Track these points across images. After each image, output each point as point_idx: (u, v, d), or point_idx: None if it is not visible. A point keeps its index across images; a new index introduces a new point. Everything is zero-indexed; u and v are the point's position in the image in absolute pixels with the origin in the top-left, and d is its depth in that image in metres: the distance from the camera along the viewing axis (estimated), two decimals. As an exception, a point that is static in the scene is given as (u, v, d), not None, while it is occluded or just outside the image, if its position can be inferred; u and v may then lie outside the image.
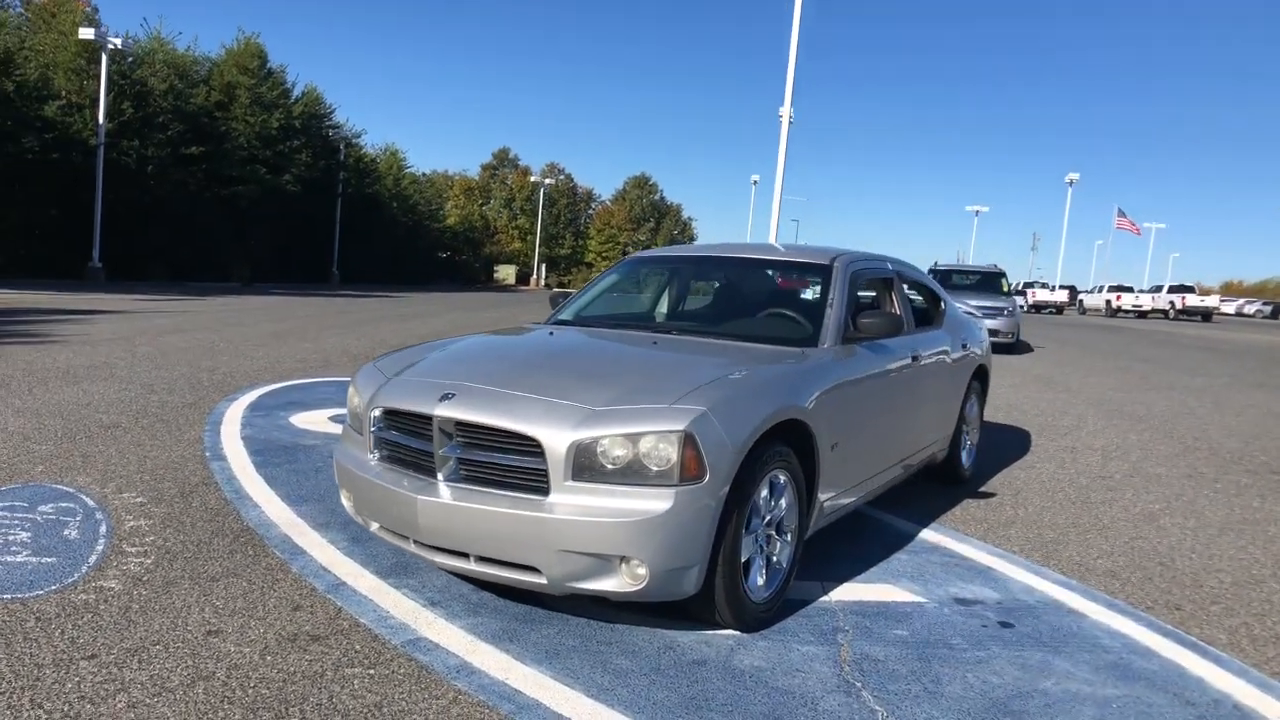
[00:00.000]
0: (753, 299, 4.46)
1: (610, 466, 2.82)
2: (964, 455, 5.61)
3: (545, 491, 2.85)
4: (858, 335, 3.95)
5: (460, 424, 3.00)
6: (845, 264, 4.30)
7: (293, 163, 37.21)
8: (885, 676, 2.88)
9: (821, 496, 3.60)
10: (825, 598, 3.56)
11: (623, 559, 2.80)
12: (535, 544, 2.82)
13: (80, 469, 4.83)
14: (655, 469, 2.80)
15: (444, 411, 3.01)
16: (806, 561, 3.91)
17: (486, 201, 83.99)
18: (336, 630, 3.01)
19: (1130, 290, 48.84)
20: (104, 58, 25.25)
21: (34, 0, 30.11)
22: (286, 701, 2.52)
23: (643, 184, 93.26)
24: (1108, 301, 48.58)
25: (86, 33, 24.61)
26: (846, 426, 3.72)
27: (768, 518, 3.24)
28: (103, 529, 3.91)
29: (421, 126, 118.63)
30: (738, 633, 3.15)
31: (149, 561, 3.55)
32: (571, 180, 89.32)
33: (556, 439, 2.83)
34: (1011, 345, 16.73)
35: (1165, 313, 45.67)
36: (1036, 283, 59.56)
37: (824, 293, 4.10)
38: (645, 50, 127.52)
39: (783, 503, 3.31)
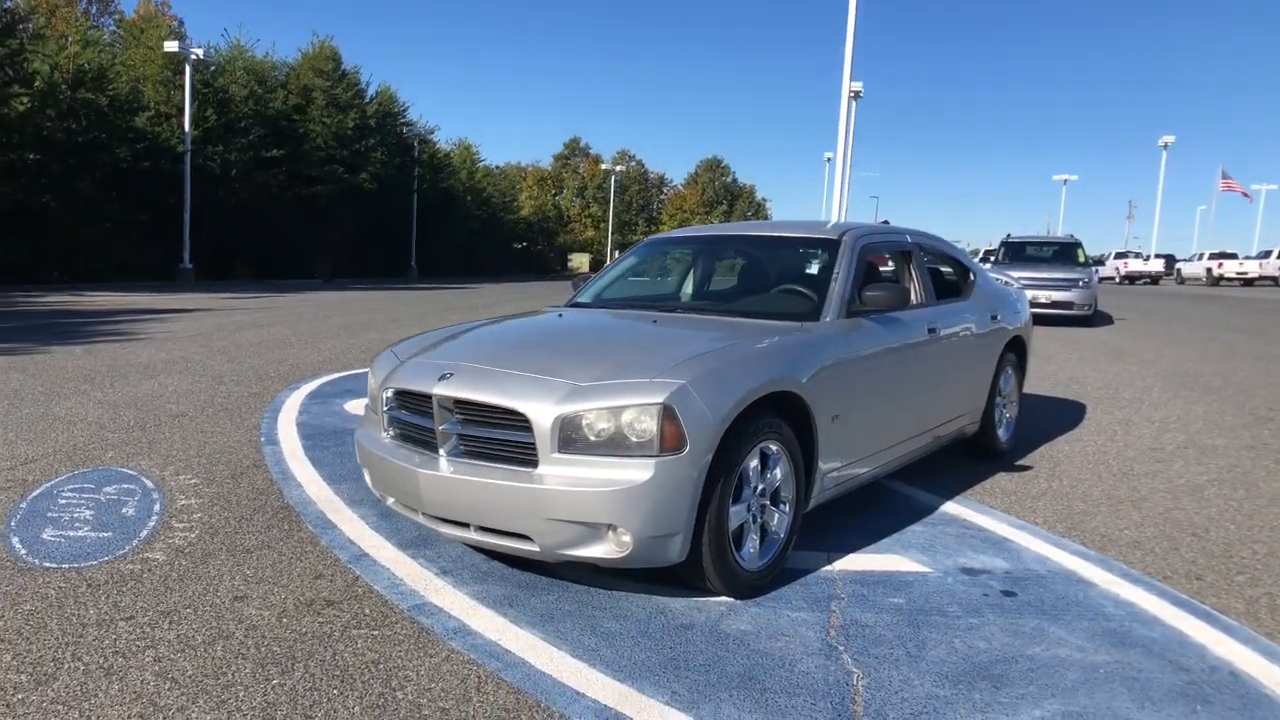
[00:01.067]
0: (761, 276, 4.50)
1: (594, 439, 2.93)
2: (1000, 429, 5.53)
3: (535, 464, 2.99)
4: (863, 309, 3.96)
5: (458, 401, 3.16)
6: (854, 239, 4.30)
7: (369, 161, 38.29)
8: (870, 641, 2.93)
9: (824, 467, 3.64)
10: (829, 567, 3.61)
11: (609, 527, 2.91)
12: (526, 513, 2.96)
13: (145, 454, 5.20)
14: (636, 440, 2.91)
15: (442, 390, 3.18)
16: (816, 531, 3.98)
17: (559, 191, 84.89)
18: (351, 596, 3.22)
19: (1234, 257, 45.91)
20: (187, 69, 26.46)
21: (126, 18, 31.68)
22: (294, 658, 2.72)
23: (715, 167, 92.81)
24: (1208, 270, 45.79)
25: (171, 46, 25.83)
26: (851, 399, 3.74)
27: (760, 488, 3.30)
28: (156, 507, 4.23)
29: (494, 121, 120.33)
30: (731, 599, 3.23)
31: (193, 536, 3.84)
32: (643, 166, 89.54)
33: (542, 413, 2.96)
34: (1088, 318, 16.16)
35: (1276, 279, 42.48)
36: (1129, 252, 56.90)
37: (829, 267, 4.12)
38: (713, 31, 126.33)
39: (777, 473, 3.37)
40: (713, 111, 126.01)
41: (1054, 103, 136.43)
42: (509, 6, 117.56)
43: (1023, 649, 2.90)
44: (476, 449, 3.15)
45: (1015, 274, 16.59)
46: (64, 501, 4.27)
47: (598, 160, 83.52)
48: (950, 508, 4.50)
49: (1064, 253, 17.97)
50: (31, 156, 22.54)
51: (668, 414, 2.90)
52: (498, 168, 70.00)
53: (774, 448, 3.33)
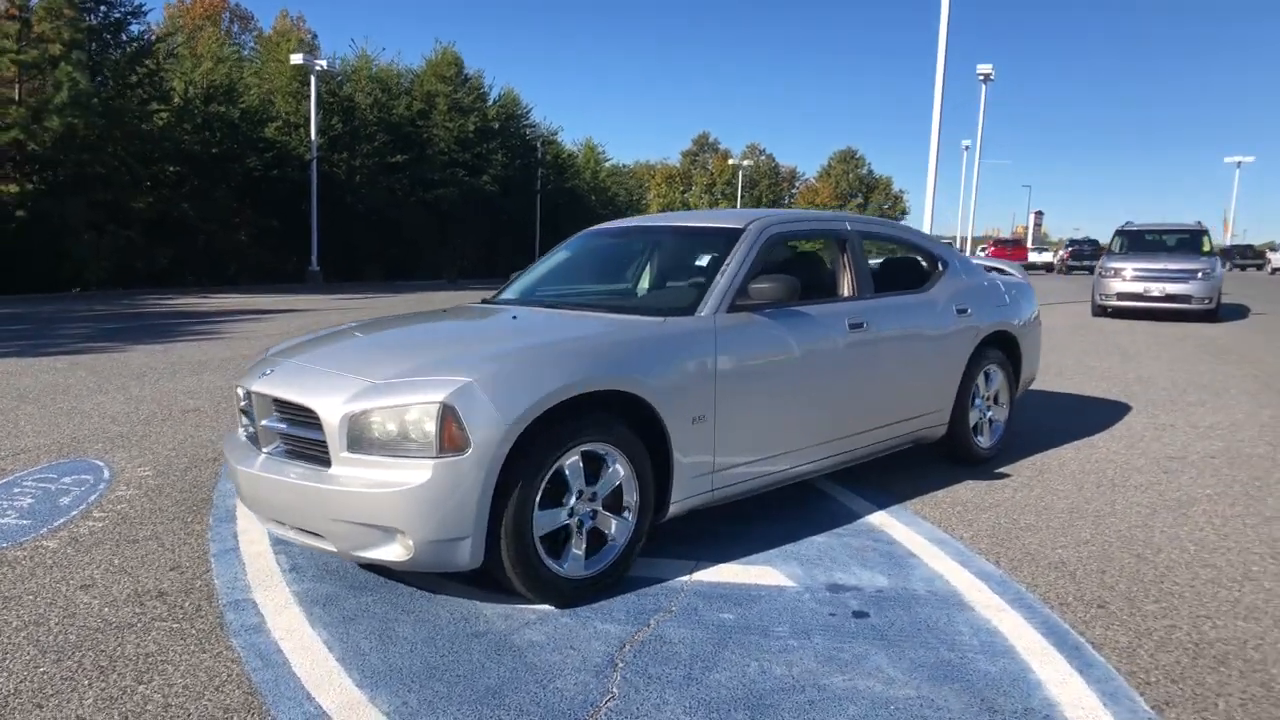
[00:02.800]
0: (666, 269, 4.28)
1: (380, 438, 2.87)
2: (978, 434, 5.06)
3: (328, 463, 2.95)
4: (747, 303, 3.70)
5: (271, 399, 3.17)
6: (760, 229, 4.02)
7: (490, 164, 39.49)
8: (659, 659, 2.73)
9: (689, 472, 3.43)
10: (685, 577, 3.40)
11: (393, 529, 2.84)
12: (318, 513, 2.93)
13: (128, 447, 5.51)
14: (417, 441, 2.82)
15: (256, 386, 3.20)
16: (702, 538, 3.78)
17: (688, 188, 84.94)
18: (185, 589, 3.28)
19: None
20: (313, 80, 28.06)
21: (264, 33, 33.95)
22: (79, 647, 2.80)
23: (849, 158, 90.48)
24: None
25: (296, 59, 27.47)
26: (724, 399, 3.51)
27: (585, 492, 3.14)
28: (92, 497, 4.46)
29: (624, 121, 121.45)
30: (549, 608, 3.09)
31: (99, 526, 4.02)
32: (773, 161, 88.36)
33: (331, 411, 2.92)
34: (1209, 312, 14.67)
35: None
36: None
37: (721, 259, 3.87)
38: (845, 19, 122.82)
39: (612, 478, 3.19)
40: (846, 102, 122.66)
41: (1224, 78, 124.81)
42: (634, 7, 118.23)
43: (821, 678, 2.62)
44: (290, 447, 3.15)
45: (1128, 265, 15.30)
46: (19, 490, 4.58)
47: (726, 155, 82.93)
48: (877, 517, 4.15)
49: (1188, 242, 16.37)
50: (171, 169, 24.52)
51: (448, 414, 2.80)
52: (625, 167, 70.76)
53: (605, 450, 3.16)
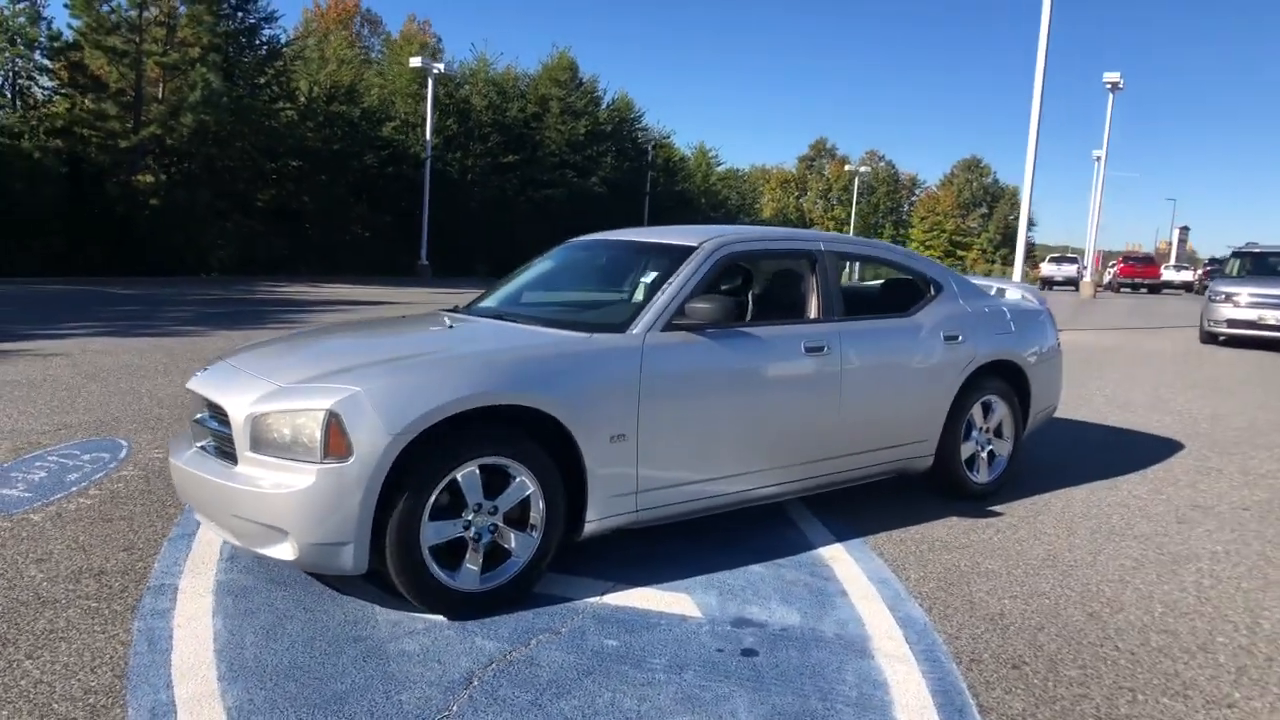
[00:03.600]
0: (616, 283, 4.23)
1: (277, 440, 2.97)
2: (973, 468, 4.79)
3: (235, 461, 3.08)
4: (684, 322, 3.63)
5: (201, 397, 3.33)
6: (714, 247, 3.94)
7: (600, 166, 40.07)
8: (516, 682, 2.72)
9: (608, 491, 3.41)
10: (595, 598, 3.37)
11: (283, 530, 2.94)
12: (223, 508, 3.07)
13: (156, 429, 5.88)
14: (305, 445, 2.91)
15: (191, 384, 3.37)
16: (634, 560, 3.74)
17: (802, 193, 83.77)
18: (124, 570, 3.48)
19: None
20: (430, 81, 29.19)
21: (391, 36, 35.51)
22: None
23: (973, 167, 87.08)
24: None
25: (415, 61, 28.64)
26: (649, 418, 3.46)
27: (485, 506, 3.16)
28: (98, 475, 4.79)
29: (741, 124, 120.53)
30: (441, 618, 3.12)
31: (88, 503, 4.32)
32: (892, 167, 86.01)
33: (238, 411, 3.05)
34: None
35: None
36: None
37: (665, 277, 3.81)
38: (967, 27, 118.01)
39: (514, 492, 3.20)
40: (972, 109, 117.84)
41: None
42: (754, 13, 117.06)
43: (669, 716, 2.55)
44: (215, 444, 3.30)
45: (1243, 289, 14.18)
46: (40, 464, 4.97)
47: (844, 161, 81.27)
48: (830, 550, 4.00)
49: (1318, 263, 14.99)
50: (293, 164, 26.01)
51: (333, 421, 2.88)
52: (740, 171, 70.42)
53: (508, 464, 3.17)
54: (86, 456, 5.14)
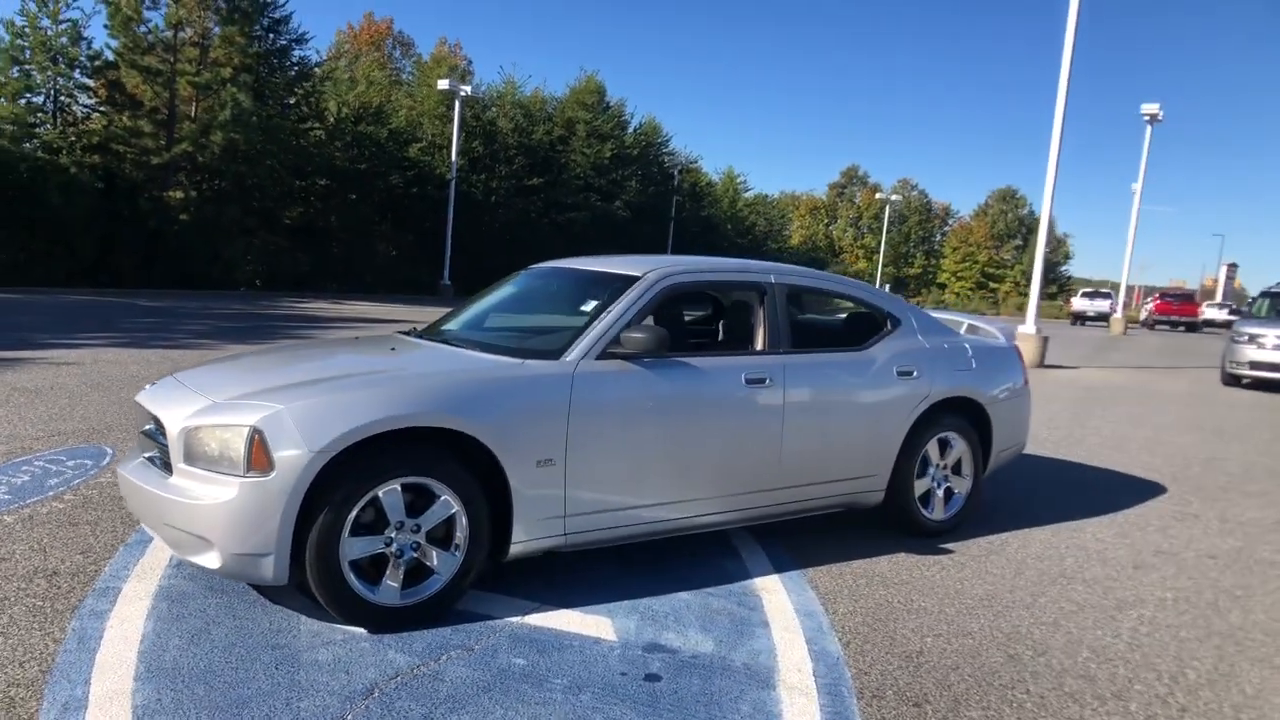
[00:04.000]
0: (566, 310, 4.31)
1: (206, 453, 3.10)
2: (929, 505, 4.81)
3: (170, 471, 3.21)
4: (619, 351, 3.72)
5: (145, 410, 3.47)
6: (657, 277, 4.03)
7: (624, 189, 40.42)
8: (414, 696, 2.80)
9: (535, 514, 3.49)
10: (517, 618, 3.44)
11: (208, 540, 3.05)
12: (157, 517, 3.20)
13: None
14: (229, 459, 3.03)
15: (138, 396, 3.51)
16: (568, 582, 3.82)
17: (832, 221, 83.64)
18: (76, 572, 3.61)
19: None
20: (456, 104, 29.70)
21: (422, 59, 36.21)
22: (-58, 615, 3.15)
23: (1008, 197, 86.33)
24: None
25: (442, 84, 29.17)
26: (581, 443, 3.54)
27: (407, 523, 3.25)
28: (77, 481, 4.96)
29: (771, 150, 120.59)
30: (363, 631, 3.21)
31: (60, 508, 4.47)
32: (925, 196, 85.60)
33: (174, 424, 3.18)
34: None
35: None
36: None
37: (605, 306, 3.90)
38: (1005, 58, 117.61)
39: (437, 512, 3.29)
40: (1007, 140, 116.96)
41: None
42: (784, 40, 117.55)
43: (554, 735, 2.62)
44: (159, 455, 3.43)
45: (1269, 331, 13.97)
46: (26, 468, 5.14)
47: (875, 189, 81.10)
48: (766, 580, 4.04)
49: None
50: (321, 182, 26.56)
51: (257, 436, 3.00)
52: (769, 197, 70.60)
53: (432, 484, 3.26)
54: (71, 463, 5.32)
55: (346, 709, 2.69)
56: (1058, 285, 76.80)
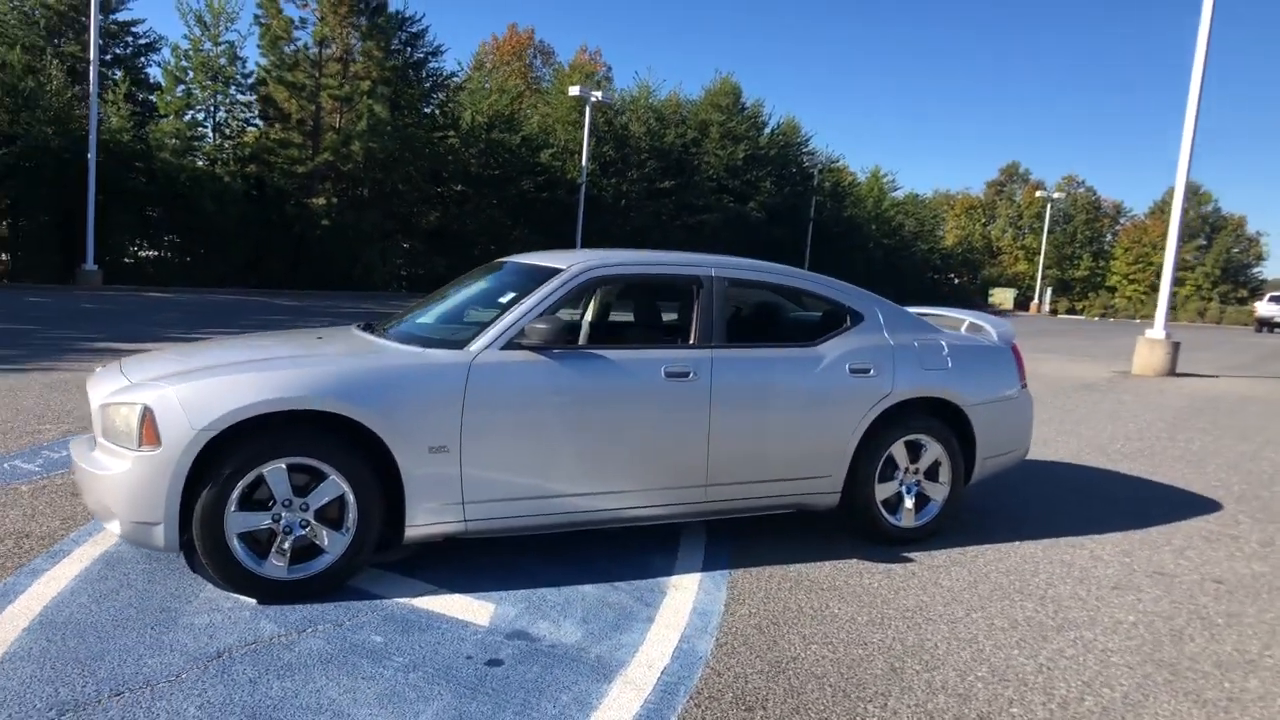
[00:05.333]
0: (490, 304, 4.36)
1: (113, 429, 3.41)
2: (895, 510, 4.57)
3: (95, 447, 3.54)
4: (525, 342, 3.77)
5: (87, 391, 3.83)
6: (579, 270, 4.05)
7: (758, 190, 40.07)
8: (255, 664, 2.97)
9: (431, 499, 3.61)
10: (404, 599, 3.56)
11: (111, 508, 3.36)
12: (85, 488, 3.54)
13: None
14: (127, 434, 3.32)
15: (88, 379, 3.88)
16: (469, 569, 3.92)
17: (990, 220, 79.46)
18: (44, 535, 4.04)
19: None
20: (588, 109, 30.42)
21: (561, 67, 37.28)
22: (-85, 565, 3.62)
23: (1191, 193, 79.24)
24: None
25: (573, 90, 29.96)
26: (477, 432, 3.63)
27: (295, 501, 3.44)
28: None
29: (925, 147, 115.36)
30: (251, 601, 3.43)
31: (62, 482, 4.97)
32: (1093, 194, 79.84)
33: (94, 402, 3.51)
34: None
35: None
36: None
37: (520, 298, 3.96)
38: (1184, 40, 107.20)
39: (325, 491, 3.46)
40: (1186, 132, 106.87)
41: None
42: (939, 33, 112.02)
43: (352, 707, 2.72)
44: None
45: None
46: (46, 452, 5.71)
47: (1037, 186, 76.37)
48: (683, 579, 3.99)
49: None
50: (457, 188, 27.87)
51: (147, 414, 3.27)
52: (921, 197, 68.00)
53: (321, 466, 3.44)
54: (64, 452, 5.88)
55: (187, 667, 2.90)
56: (1248, 288, 69.81)
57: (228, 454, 3.32)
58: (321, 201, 23.71)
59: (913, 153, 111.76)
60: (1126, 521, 5.34)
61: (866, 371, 4.42)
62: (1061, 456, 7.26)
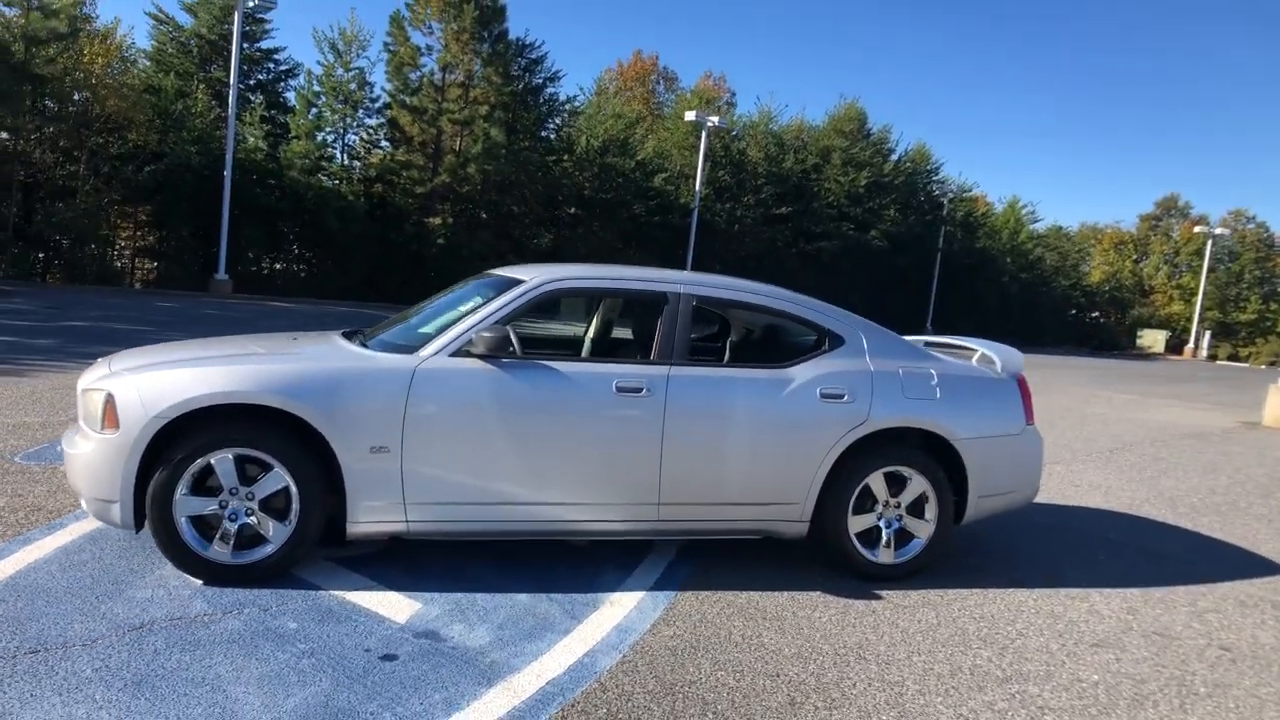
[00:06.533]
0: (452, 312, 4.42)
1: (87, 412, 3.71)
2: (872, 544, 4.38)
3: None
4: (474, 351, 3.86)
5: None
6: (539, 282, 4.11)
7: (880, 219, 39.09)
8: (164, 637, 3.17)
9: (372, 498, 3.74)
10: (339, 591, 3.70)
11: (78, 486, 3.66)
12: (65, 468, 3.86)
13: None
14: (93, 418, 3.62)
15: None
16: (416, 569, 4.03)
17: (1142, 256, 74.52)
18: (54, 510, 4.42)
19: None
20: (704, 135, 30.63)
21: (684, 93, 37.72)
22: (-68, 526, 4.05)
23: (1383, 233, 71.87)
24: None
25: (689, 115, 30.24)
26: (418, 435, 3.75)
27: (240, 490, 3.64)
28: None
29: (1069, 178, 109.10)
30: (198, 581, 3.65)
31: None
32: (1266, 230, 73.59)
33: (78, 387, 3.84)
34: None
35: None
36: None
37: (478, 308, 4.06)
38: None
39: (269, 483, 3.65)
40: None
41: None
42: (1091, 60, 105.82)
43: (234, 685, 2.86)
44: (87, 418, 4.11)
45: None
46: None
47: (1198, 221, 71.10)
48: (625, 596, 3.96)
49: None
50: (570, 210, 28.58)
51: (109, 401, 3.55)
52: (1065, 229, 64.69)
53: (265, 458, 3.64)
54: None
55: (107, 635, 3.12)
56: None
57: (176, 441, 3.56)
58: (438, 221, 24.88)
59: (1057, 183, 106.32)
60: (1156, 578, 4.90)
61: (840, 397, 4.27)
62: (1115, 506, 6.73)
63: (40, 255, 22.00)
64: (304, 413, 3.63)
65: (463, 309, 4.22)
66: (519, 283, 4.18)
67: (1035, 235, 56.13)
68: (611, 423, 4.01)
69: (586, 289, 4.35)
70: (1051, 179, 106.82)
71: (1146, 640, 3.98)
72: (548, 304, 4.16)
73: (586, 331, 5.30)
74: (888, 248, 39.61)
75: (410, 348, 3.98)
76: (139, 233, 24.15)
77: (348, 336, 4.44)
